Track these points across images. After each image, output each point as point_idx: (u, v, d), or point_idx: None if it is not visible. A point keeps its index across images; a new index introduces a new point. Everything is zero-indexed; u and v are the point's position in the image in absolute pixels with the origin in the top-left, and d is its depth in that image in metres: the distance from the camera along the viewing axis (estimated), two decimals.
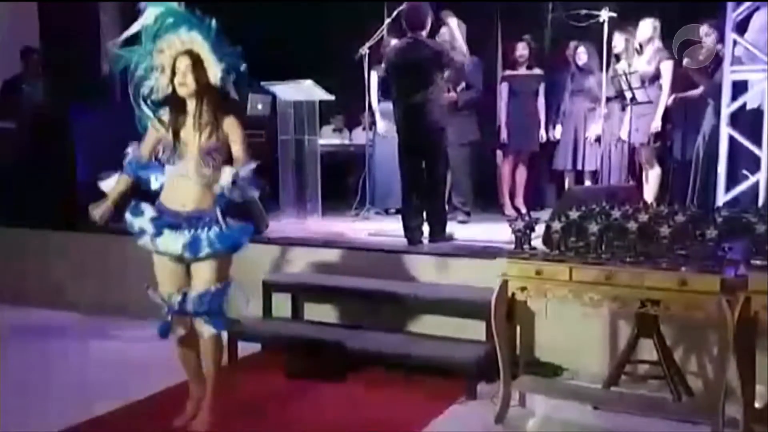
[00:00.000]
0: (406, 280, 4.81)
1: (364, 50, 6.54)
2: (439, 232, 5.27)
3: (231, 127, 3.37)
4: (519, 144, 6.94)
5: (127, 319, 5.29)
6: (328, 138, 8.46)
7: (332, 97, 6.56)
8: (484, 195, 7.14)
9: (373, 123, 7.04)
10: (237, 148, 3.35)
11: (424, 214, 5.31)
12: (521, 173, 7.06)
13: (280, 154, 6.59)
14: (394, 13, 6.52)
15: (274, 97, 6.79)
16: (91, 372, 4.45)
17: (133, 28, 3.37)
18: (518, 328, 3.98)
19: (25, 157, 6.59)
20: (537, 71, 6.98)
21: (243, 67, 3.41)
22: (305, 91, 6.43)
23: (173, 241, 3.35)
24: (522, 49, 6.92)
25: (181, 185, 3.37)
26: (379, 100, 6.92)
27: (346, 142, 8.73)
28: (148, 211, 3.39)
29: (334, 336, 4.51)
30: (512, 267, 3.55)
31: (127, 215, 3.43)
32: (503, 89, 6.94)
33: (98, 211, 3.50)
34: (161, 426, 3.57)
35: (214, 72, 3.32)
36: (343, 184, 7.97)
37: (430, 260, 4.84)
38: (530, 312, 4.19)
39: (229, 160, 3.36)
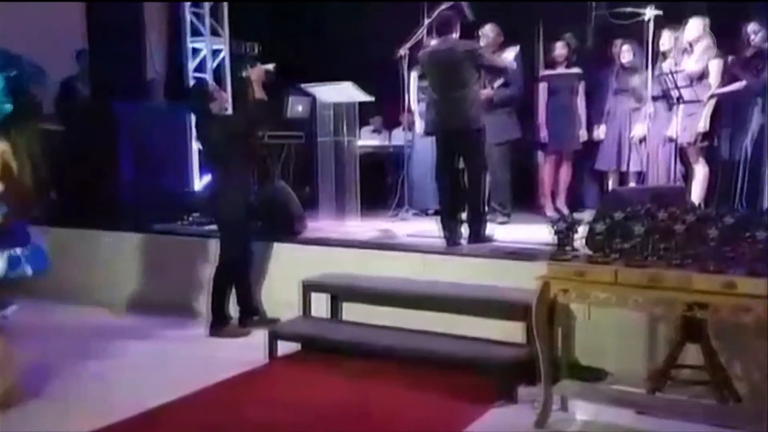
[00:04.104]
0: (444, 281, 4.77)
1: (404, 51, 6.52)
2: (478, 234, 5.23)
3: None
4: (559, 143, 6.87)
5: (171, 318, 5.38)
6: (367, 139, 8.46)
7: (371, 99, 6.56)
8: (523, 196, 7.06)
9: (411, 124, 7.02)
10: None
11: (463, 215, 5.27)
12: (563, 174, 6.97)
13: (320, 155, 6.62)
14: (434, 14, 6.50)
15: (313, 99, 6.82)
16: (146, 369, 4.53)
17: None
18: (559, 331, 3.92)
19: (73, 158, 6.71)
20: (576, 70, 6.90)
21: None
22: (344, 92, 6.44)
23: None
24: (560, 48, 6.86)
25: None
26: (418, 101, 6.90)
27: (385, 143, 8.71)
28: None
29: (373, 336, 4.51)
30: (554, 269, 3.50)
31: None
32: (541, 89, 6.88)
33: None
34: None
35: None
36: (381, 184, 7.95)
37: (469, 261, 4.80)
38: (572, 314, 4.13)
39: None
